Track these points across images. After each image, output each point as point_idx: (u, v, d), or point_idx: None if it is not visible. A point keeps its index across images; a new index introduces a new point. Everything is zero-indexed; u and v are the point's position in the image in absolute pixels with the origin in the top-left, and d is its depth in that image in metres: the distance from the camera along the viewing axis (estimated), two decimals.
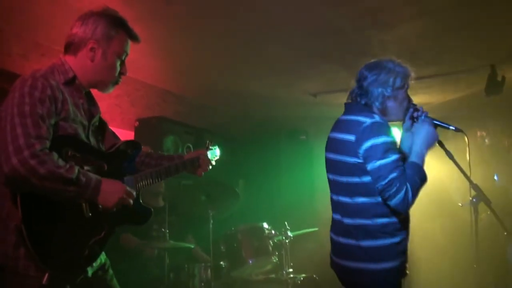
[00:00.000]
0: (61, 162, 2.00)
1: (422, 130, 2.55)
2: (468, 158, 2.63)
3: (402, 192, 2.31)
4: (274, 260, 4.79)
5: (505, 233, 2.57)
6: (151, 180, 2.50)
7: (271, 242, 4.83)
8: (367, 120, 2.44)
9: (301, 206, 6.32)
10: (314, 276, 4.89)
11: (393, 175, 2.33)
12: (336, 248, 2.62)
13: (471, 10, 3.81)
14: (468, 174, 2.60)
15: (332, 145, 2.62)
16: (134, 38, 2.41)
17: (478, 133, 7.27)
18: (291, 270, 4.77)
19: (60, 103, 2.12)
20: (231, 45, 4.50)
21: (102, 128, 2.49)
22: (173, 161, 2.74)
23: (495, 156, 7.01)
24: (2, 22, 3.80)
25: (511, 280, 5.47)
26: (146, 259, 4.41)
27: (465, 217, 2.80)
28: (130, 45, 2.42)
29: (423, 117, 2.61)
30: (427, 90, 5.76)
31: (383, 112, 2.61)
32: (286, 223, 4.88)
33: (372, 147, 2.39)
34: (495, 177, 6.99)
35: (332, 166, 2.63)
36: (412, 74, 2.65)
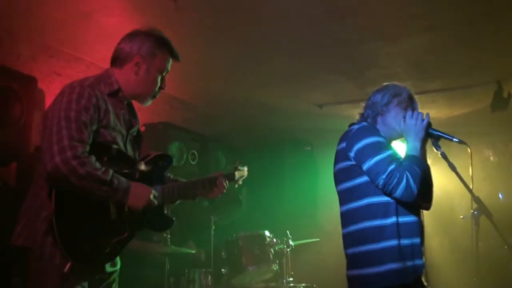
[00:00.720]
0: (98, 165, 2.17)
1: (407, 127, 2.55)
2: (470, 170, 2.62)
3: (404, 182, 2.32)
4: (275, 268, 4.79)
5: (506, 247, 2.56)
6: (177, 193, 2.61)
7: (272, 250, 4.83)
8: (355, 126, 2.57)
9: (303, 216, 6.30)
10: (314, 286, 4.88)
11: (392, 167, 2.34)
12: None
13: (477, 26, 3.84)
14: (470, 186, 2.58)
15: (334, 159, 2.67)
16: (175, 57, 2.59)
17: (485, 150, 7.26)
18: (291, 279, 4.77)
19: (103, 112, 2.30)
20: (239, 55, 4.54)
21: (138, 138, 2.65)
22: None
23: (501, 173, 6.99)
24: (13, 24, 3.89)
25: None
26: (147, 263, 4.41)
27: (467, 230, 2.79)
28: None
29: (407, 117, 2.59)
30: (433, 105, 5.76)
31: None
32: (287, 232, 4.89)
33: (364, 147, 2.44)
34: (500, 196, 6.96)
35: (334, 178, 2.67)
36: (409, 91, 2.68)
